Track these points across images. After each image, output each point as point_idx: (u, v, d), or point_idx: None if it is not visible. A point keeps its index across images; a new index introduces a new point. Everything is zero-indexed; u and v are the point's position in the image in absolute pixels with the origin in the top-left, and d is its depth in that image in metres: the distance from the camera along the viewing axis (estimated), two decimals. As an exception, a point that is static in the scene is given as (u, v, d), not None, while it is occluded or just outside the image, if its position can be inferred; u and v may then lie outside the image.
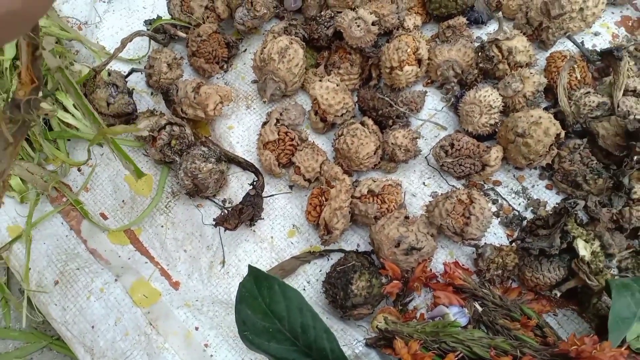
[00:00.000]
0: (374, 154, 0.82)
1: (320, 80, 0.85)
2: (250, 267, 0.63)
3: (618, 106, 0.81)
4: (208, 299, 0.75)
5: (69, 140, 0.88)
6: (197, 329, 0.73)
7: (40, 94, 0.57)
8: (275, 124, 0.83)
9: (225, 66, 0.97)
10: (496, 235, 0.79)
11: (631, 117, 0.80)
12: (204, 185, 0.79)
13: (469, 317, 0.65)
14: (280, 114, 0.85)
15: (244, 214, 0.74)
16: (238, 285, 0.62)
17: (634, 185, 0.75)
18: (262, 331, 0.62)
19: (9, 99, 0.56)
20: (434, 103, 0.89)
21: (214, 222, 0.74)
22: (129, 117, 0.87)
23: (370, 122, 0.84)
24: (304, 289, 0.77)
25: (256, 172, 0.80)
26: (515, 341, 0.60)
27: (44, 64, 0.85)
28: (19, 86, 0.54)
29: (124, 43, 0.86)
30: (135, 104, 0.89)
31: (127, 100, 0.87)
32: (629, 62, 0.86)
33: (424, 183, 0.84)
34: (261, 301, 0.62)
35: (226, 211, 0.75)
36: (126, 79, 0.91)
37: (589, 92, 0.83)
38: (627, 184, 0.74)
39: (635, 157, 0.72)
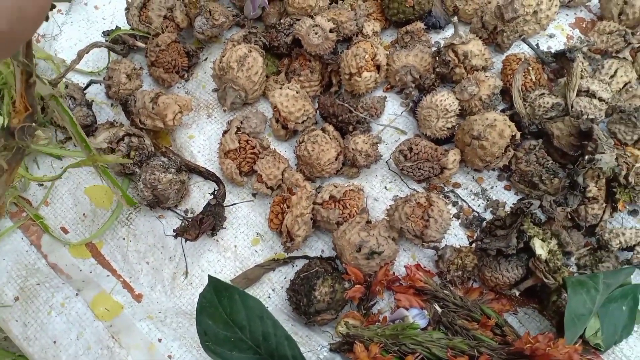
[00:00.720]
0: (335, 159, 0.83)
1: (280, 88, 0.85)
2: (209, 277, 0.63)
3: (572, 107, 0.83)
4: (171, 310, 0.75)
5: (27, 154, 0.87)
6: (160, 340, 0.72)
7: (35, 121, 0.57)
8: (236, 132, 0.83)
9: (185, 75, 0.96)
10: (457, 236, 0.80)
11: (584, 117, 0.82)
12: (165, 196, 0.78)
13: (428, 318, 0.65)
14: (241, 122, 0.84)
15: (205, 224, 0.74)
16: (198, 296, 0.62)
17: (589, 184, 0.77)
18: (224, 341, 0.63)
19: (3, 126, 0.56)
20: (393, 108, 0.90)
21: (174, 234, 0.74)
22: (88, 129, 0.86)
23: (330, 128, 0.85)
24: (269, 297, 0.77)
25: (217, 181, 0.80)
26: (473, 341, 0.60)
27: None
28: (13, 114, 0.55)
29: (81, 55, 0.85)
30: (95, 116, 0.88)
31: (85, 112, 0.86)
32: (582, 63, 0.88)
33: (385, 187, 0.84)
34: (222, 311, 0.62)
35: (187, 222, 0.74)
36: (85, 91, 0.90)
37: (543, 94, 0.85)
38: (581, 182, 0.76)
39: (587, 157, 0.74)
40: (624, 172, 0.77)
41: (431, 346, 0.59)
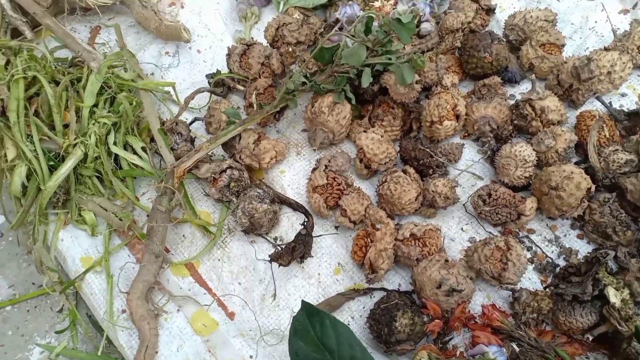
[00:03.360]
0: (415, 200, 0.89)
1: (365, 132, 0.93)
2: (303, 302, 0.69)
3: (645, 164, 0.87)
4: (260, 330, 0.81)
5: (134, 178, 0.97)
6: (251, 357, 0.78)
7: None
8: (324, 170, 0.91)
9: (277, 116, 1.06)
10: (530, 280, 0.84)
11: (658, 174, 0.85)
12: (259, 224, 0.87)
13: (507, 356, 0.69)
14: (329, 161, 0.92)
15: (296, 252, 0.81)
16: (291, 319, 0.68)
17: (662, 237, 0.80)
18: (313, 362, 0.68)
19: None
20: (470, 154, 0.97)
21: (269, 258, 0.81)
22: (189, 161, 0.96)
23: (412, 170, 0.91)
24: (349, 324, 0.82)
25: (306, 213, 0.88)
26: (551, 379, 0.64)
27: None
28: None
29: (187, 101, 0.97)
30: (196, 149, 0.98)
31: (189, 147, 0.96)
32: (654, 122, 0.92)
33: (462, 229, 0.90)
34: (313, 334, 0.67)
35: (280, 248, 0.82)
36: (189, 127, 1.00)
37: (617, 150, 0.89)
38: (655, 236, 0.79)
39: (662, 213, 0.77)
40: (699, 229, 0.79)
41: (511, 380, 0.63)
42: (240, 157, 0.93)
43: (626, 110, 0.95)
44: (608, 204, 0.84)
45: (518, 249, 0.79)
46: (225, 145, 0.97)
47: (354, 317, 0.83)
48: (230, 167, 0.90)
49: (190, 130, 1.00)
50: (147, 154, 0.96)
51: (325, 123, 0.95)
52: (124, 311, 0.84)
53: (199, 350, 0.79)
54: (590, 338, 0.75)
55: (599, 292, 0.75)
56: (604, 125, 0.92)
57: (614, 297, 0.74)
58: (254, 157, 0.92)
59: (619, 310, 0.74)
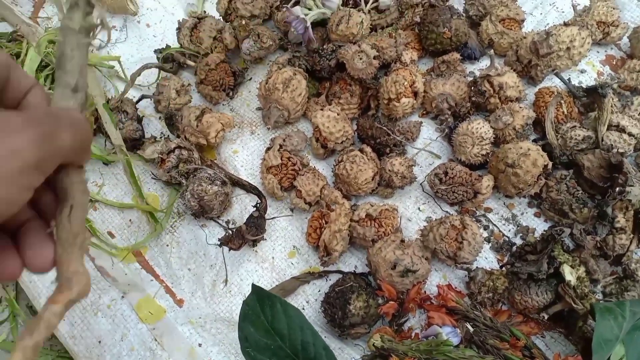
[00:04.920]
0: (372, 179, 0.86)
1: (322, 110, 0.90)
2: (253, 285, 0.66)
3: (602, 140, 0.86)
4: (211, 316, 0.78)
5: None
6: (200, 345, 0.75)
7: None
8: (279, 150, 0.87)
9: (231, 93, 1.01)
10: (487, 259, 0.82)
11: (614, 150, 0.85)
12: (210, 207, 0.83)
13: (461, 337, 0.68)
14: (284, 140, 0.89)
15: (248, 235, 0.78)
16: (241, 304, 0.66)
17: (617, 214, 0.79)
18: (264, 348, 0.65)
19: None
20: (428, 133, 0.94)
21: (218, 242, 0.78)
22: (136, 142, 0.91)
23: (368, 149, 0.89)
24: (303, 308, 0.80)
25: (259, 194, 0.84)
26: (504, 360, 0.63)
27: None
28: None
29: (133, 78, 0.91)
30: (144, 130, 0.93)
31: (135, 126, 0.91)
32: (612, 99, 0.92)
33: (419, 208, 0.88)
34: (263, 319, 0.65)
35: (230, 232, 0.78)
36: (136, 105, 0.95)
37: (575, 126, 0.88)
38: (610, 213, 0.79)
39: (617, 189, 0.77)
40: (652, 205, 0.79)
41: (464, 362, 0.62)
42: (184, 137, 0.88)
43: (585, 87, 0.94)
44: (565, 181, 0.83)
45: (474, 227, 0.77)
46: (171, 126, 0.92)
47: (309, 301, 0.81)
48: (178, 147, 0.86)
49: (137, 109, 0.95)
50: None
51: (280, 100, 0.91)
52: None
53: (144, 339, 0.76)
54: (546, 317, 0.74)
55: (555, 270, 0.74)
56: (562, 102, 0.91)
57: (570, 275, 0.74)
58: (199, 134, 0.88)
59: (574, 288, 0.74)
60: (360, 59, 0.91)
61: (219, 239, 0.78)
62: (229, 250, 0.78)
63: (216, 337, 0.76)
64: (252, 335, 0.65)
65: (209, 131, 0.88)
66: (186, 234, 0.85)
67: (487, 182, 0.83)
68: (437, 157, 0.92)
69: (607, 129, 0.87)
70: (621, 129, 0.86)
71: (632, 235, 0.80)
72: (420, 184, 0.89)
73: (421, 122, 0.94)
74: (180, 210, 0.86)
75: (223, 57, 1.00)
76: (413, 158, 0.91)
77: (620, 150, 0.85)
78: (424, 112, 0.97)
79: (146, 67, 0.97)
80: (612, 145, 0.85)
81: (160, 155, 0.86)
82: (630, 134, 0.86)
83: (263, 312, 0.65)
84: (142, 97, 0.98)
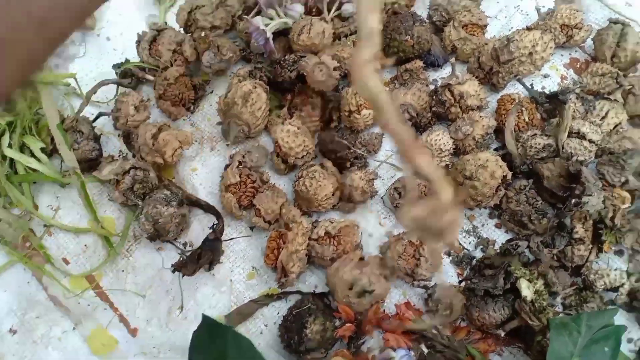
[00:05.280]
0: (333, 195, 0.85)
1: (282, 124, 0.88)
2: (204, 316, 0.65)
3: (563, 148, 0.85)
4: (166, 345, 0.77)
5: (34, 183, 0.91)
6: (154, 374, 0.75)
7: None
8: (238, 167, 0.86)
9: (192, 107, 1.00)
10: (447, 274, 0.82)
11: (574, 159, 0.84)
12: (165, 230, 0.82)
13: (414, 359, 0.68)
14: (243, 157, 0.88)
15: (203, 259, 0.77)
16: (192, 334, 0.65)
17: (576, 225, 0.79)
18: (215, 379, 0.65)
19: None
20: (390, 144, 0.93)
21: (172, 268, 0.77)
22: (92, 162, 0.89)
23: (329, 164, 0.88)
24: (261, 333, 0.79)
25: (217, 214, 0.83)
26: (455, 383, 0.63)
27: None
28: None
29: (89, 96, 0.90)
30: (101, 149, 0.92)
31: (91, 146, 0.89)
32: (574, 104, 0.91)
33: (380, 223, 0.87)
34: (214, 349, 0.64)
35: (185, 256, 0.77)
36: (93, 124, 0.93)
37: (535, 134, 0.87)
38: (568, 224, 0.78)
39: (574, 200, 0.76)
40: (610, 215, 0.79)
41: (415, 387, 0.62)
42: (141, 157, 0.87)
43: (547, 93, 0.93)
44: (524, 191, 0.83)
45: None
46: (129, 144, 0.91)
47: (267, 324, 0.80)
48: (133, 168, 0.85)
49: (94, 127, 0.93)
50: (47, 155, 0.90)
51: (239, 115, 0.90)
52: (14, 332, 0.78)
53: (96, 372, 0.75)
54: (502, 333, 0.74)
55: (511, 285, 0.74)
56: (524, 109, 0.90)
57: (526, 289, 0.73)
58: (156, 153, 0.86)
59: (532, 302, 0.73)
60: (321, 70, 0.89)
61: (172, 265, 0.77)
62: (183, 275, 0.77)
63: (170, 365, 0.75)
64: (204, 366, 0.65)
65: (165, 150, 0.87)
66: (142, 258, 0.84)
67: (446, 195, 0.82)
68: (398, 170, 0.91)
69: (568, 136, 0.86)
70: (582, 136, 0.86)
71: (590, 246, 0.80)
72: (382, 198, 0.89)
73: (382, 134, 0.93)
74: (137, 233, 0.85)
75: (182, 71, 0.98)
76: (375, 171, 0.90)
77: (580, 158, 0.84)
78: (386, 123, 0.96)
79: (103, 83, 0.95)
80: (572, 153, 0.84)
81: (115, 176, 0.84)
82: (590, 141, 0.85)
83: (213, 343, 0.65)
84: (100, 114, 0.96)
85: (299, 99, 0.95)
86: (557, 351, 0.68)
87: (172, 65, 1.00)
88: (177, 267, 0.76)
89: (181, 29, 1.04)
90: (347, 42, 1.01)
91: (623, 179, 0.83)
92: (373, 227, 0.87)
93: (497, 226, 0.86)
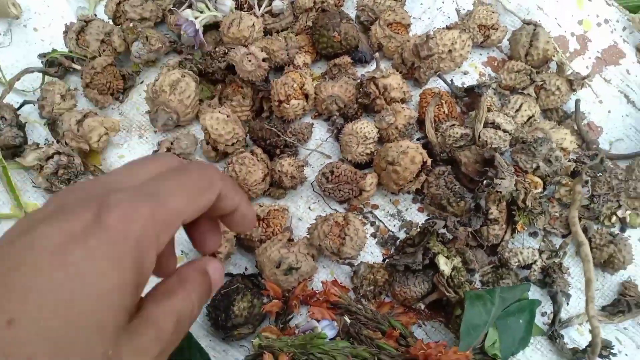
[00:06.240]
0: (262, 181, 0.87)
1: (211, 111, 0.89)
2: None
3: (479, 137, 0.91)
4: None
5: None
6: None
7: None
8: (166, 152, 0.86)
9: (121, 97, 0.99)
10: (373, 254, 0.85)
11: (488, 146, 0.90)
12: (92, 214, 0.80)
13: (337, 329, 0.70)
14: (171, 143, 0.88)
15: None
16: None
17: (490, 206, 0.84)
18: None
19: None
20: (320, 134, 0.96)
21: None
22: (16, 149, 0.87)
23: (259, 151, 0.89)
24: (191, 312, 0.79)
25: (144, 199, 0.83)
26: (376, 349, 0.65)
27: None
28: None
29: (12, 82, 0.87)
30: (25, 137, 0.90)
31: (14, 132, 0.87)
32: (491, 98, 0.97)
33: (309, 208, 0.89)
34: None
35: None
36: (18, 112, 0.91)
37: (454, 125, 0.93)
38: (483, 205, 0.83)
39: (485, 181, 0.82)
40: (522, 197, 0.85)
41: (337, 354, 0.64)
42: (65, 143, 0.85)
43: (465, 87, 0.99)
44: (443, 176, 0.88)
45: (356, 223, 0.80)
46: (55, 132, 0.89)
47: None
48: (57, 153, 0.83)
49: (18, 115, 0.91)
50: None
51: (168, 103, 0.90)
52: None
53: None
54: (423, 306, 0.77)
55: (430, 261, 0.78)
56: (443, 102, 0.96)
57: (444, 265, 0.77)
58: (80, 139, 0.85)
59: (450, 277, 0.77)
60: (249, 61, 0.92)
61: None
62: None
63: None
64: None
65: (90, 135, 0.86)
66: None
67: (370, 179, 0.86)
68: (328, 158, 0.94)
69: (484, 127, 0.92)
70: (496, 126, 0.92)
71: (505, 226, 0.86)
72: (311, 184, 0.91)
73: (312, 124, 0.96)
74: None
75: (111, 61, 0.98)
76: (305, 159, 0.93)
77: (495, 146, 0.90)
78: (316, 114, 0.99)
79: (27, 71, 0.93)
80: (487, 141, 0.90)
81: (39, 162, 0.83)
82: (505, 131, 0.92)
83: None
84: (25, 102, 0.94)
85: (230, 89, 0.97)
86: (471, 320, 0.72)
87: (100, 55, 0.99)
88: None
89: (110, 21, 1.04)
90: (279, 37, 1.04)
91: (534, 165, 0.89)
92: (303, 212, 0.89)
93: (420, 210, 0.90)
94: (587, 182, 0.88)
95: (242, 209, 0.43)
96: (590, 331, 0.58)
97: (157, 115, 0.90)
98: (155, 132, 0.90)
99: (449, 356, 0.60)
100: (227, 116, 0.90)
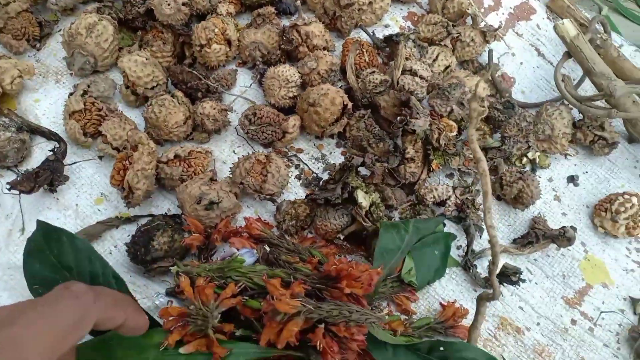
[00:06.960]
0: (184, 123, 0.87)
1: (129, 54, 0.88)
2: (38, 221, 0.63)
3: (397, 83, 0.95)
4: (4, 265, 0.73)
5: None
6: (-12, 294, 0.71)
7: None
8: (82, 95, 0.84)
9: (37, 45, 0.96)
10: (297, 194, 0.87)
11: (405, 90, 0.93)
12: (3, 155, 0.78)
13: (257, 256, 0.71)
14: (88, 86, 0.86)
15: (41, 178, 0.74)
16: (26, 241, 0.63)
17: (407, 146, 0.88)
18: (52, 284, 0.63)
19: None
20: (244, 81, 0.97)
21: (8, 186, 0.73)
22: None
23: (180, 94, 0.89)
24: (111, 253, 0.78)
25: (59, 140, 0.81)
26: (292, 271, 0.67)
27: None
28: None
29: None
30: None
31: None
32: (410, 49, 1.01)
33: (233, 151, 0.90)
34: (49, 254, 0.63)
35: (21, 174, 0.74)
36: None
37: (374, 72, 0.96)
38: (400, 145, 0.87)
39: (399, 118, 0.85)
40: (435, 136, 0.89)
41: (254, 276, 0.65)
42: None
43: (383, 37, 1.02)
44: (363, 119, 0.90)
45: (278, 161, 0.81)
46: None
47: (116, 245, 0.79)
48: (-36, 93, 0.80)
49: None
50: None
51: (84, 46, 0.88)
52: None
53: None
54: (342, 237, 0.80)
55: (349, 195, 0.80)
56: (364, 50, 0.98)
57: (362, 199, 0.80)
58: (-9, 81, 0.82)
59: (367, 211, 0.80)
60: (168, 4, 0.91)
61: (8, 182, 0.73)
62: (20, 193, 0.74)
63: (8, 283, 0.71)
64: (39, 272, 0.63)
65: (3, 77, 0.82)
66: (-22, 184, 0.79)
67: (293, 121, 0.87)
68: (252, 103, 0.95)
69: (402, 74, 0.95)
70: (414, 73, 0.95)
71: (421, 165, 0.89)
72: (235, 128, 0.92)
73: (236, 70, 0.96)
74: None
75: (26, 7, 0.94)
76: (230, 105, 0.93)
77: (410, 90, 0.94)
78: (240, 63, 0.99)
79: None
80: (404, 86, 0.94)
81: (-58, 102, 0.79)
82: (421, 77, 0.95)
83: (49, 247, 0.63)
84: None
85: (150, 35, 0.96)
86: (385, 244, 0.75)
87: (14, 1, 0.95)
88: (13, 185, 0.72)
89: (25, -34, 0.99)
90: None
91: (449, 109, 0.94)
92: (227, 155, 0.89)
93: (343, 154, 0.92)
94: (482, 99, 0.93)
95: (129, 323, 0.51)
96: (489, 241, 0.62)
97: (74, 58, 0.88)
98: (71, 75, 0.88)
99: (359, 269, 0.63)
100: (146, 59, 0.88)
